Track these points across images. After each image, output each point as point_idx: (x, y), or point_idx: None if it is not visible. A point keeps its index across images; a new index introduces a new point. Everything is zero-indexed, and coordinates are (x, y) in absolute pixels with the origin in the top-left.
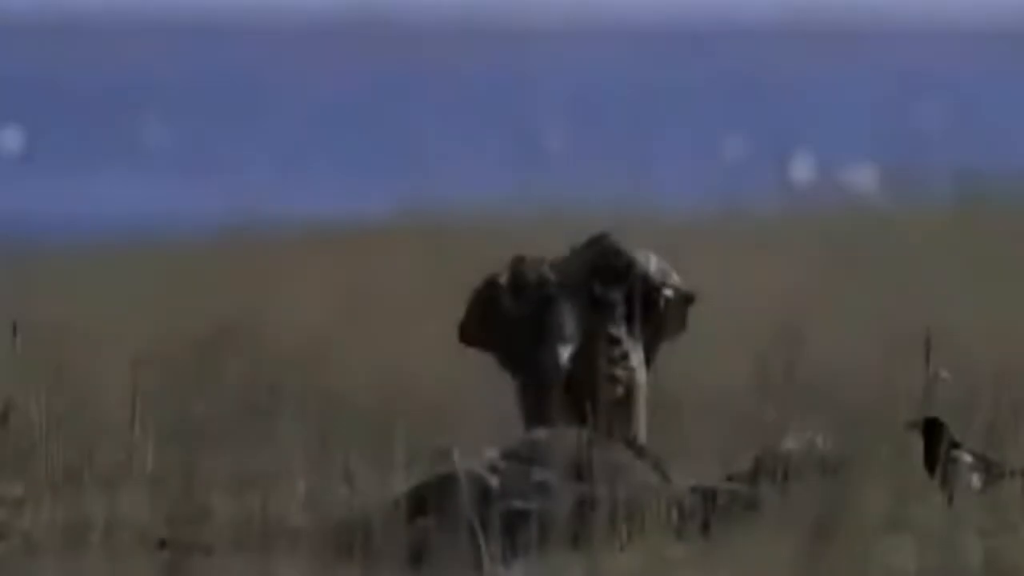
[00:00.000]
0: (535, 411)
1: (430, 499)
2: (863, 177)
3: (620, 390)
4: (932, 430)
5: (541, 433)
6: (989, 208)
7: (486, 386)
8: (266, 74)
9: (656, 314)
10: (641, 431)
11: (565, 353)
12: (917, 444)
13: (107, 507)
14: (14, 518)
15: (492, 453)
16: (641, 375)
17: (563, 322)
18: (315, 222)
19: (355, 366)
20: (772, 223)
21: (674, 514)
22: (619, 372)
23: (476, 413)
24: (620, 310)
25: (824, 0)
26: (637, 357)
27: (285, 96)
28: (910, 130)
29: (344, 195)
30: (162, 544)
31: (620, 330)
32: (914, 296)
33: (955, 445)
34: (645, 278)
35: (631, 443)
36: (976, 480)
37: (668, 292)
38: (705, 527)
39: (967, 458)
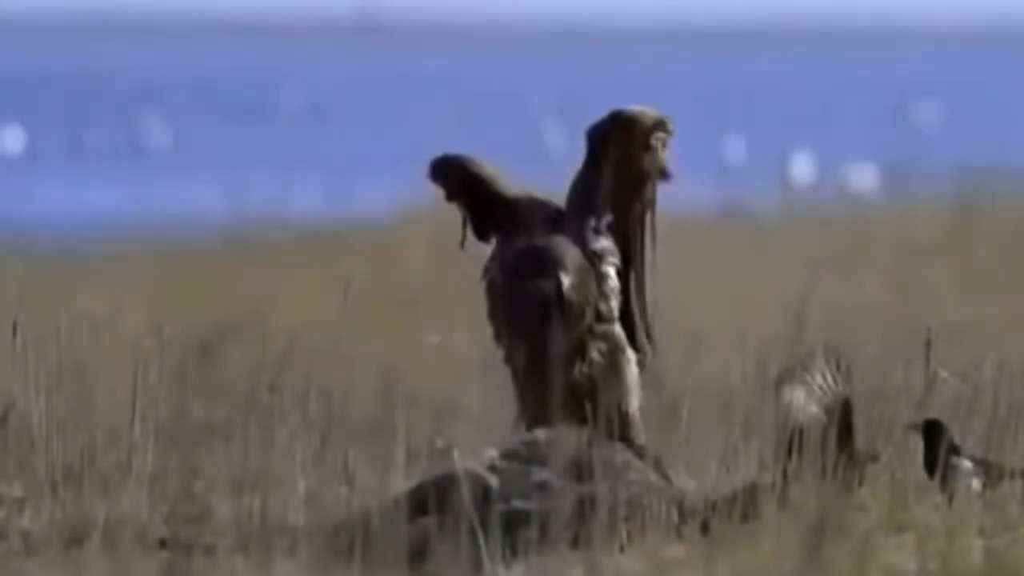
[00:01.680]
0: (532, 388)
1: (430, 499)
2: (863, 177)
3: (591, 369)
4: (932, 432)
5: (541, 433)
6: (988, 207)
7: (486, 386)
8: (265, 74)
9: (654, 156)
10: (633, 405)
11: (567, 281)
12: (917, 445)
13: (107, 507)
14: (14, 518)
15: (492, 453)
16: (630, 352)
17: (565, 252)
18: (314, 222)
19: (355, 366)
20: (772, 223)
21: (674, 514)
22: (601, 347)
23: (476, 413)
24: (612, 284)
25: (823, 0)
26: (622, 333)
27: (285, 95)
28: (910, 130)
29: (344, 195)
30: (162, 544)
31: (609, 305)
32: (914, 296)
33: (955, 450)
34: (644, 122)
35: (631, 443)
36: (976, 484)
37: (671, 126)
38: (705, 527)
39: (967, 464)
